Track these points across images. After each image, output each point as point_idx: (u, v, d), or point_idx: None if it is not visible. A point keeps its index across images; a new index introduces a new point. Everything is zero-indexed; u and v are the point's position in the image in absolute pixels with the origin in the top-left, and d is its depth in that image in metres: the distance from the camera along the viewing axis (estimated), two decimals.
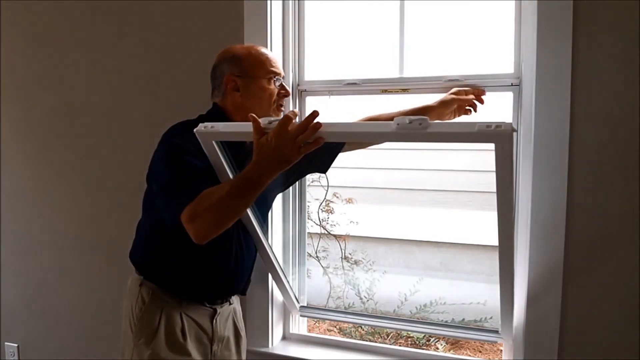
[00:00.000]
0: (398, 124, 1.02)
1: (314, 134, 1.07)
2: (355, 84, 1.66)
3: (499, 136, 0.96)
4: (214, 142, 1.22)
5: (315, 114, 1.07)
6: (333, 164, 1.60)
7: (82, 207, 2.03)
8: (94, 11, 1.91)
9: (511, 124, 0.96)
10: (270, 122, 1.10)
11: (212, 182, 1.23)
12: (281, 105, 1.41)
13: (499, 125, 0.95)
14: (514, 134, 0.97)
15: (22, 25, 2.04)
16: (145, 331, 1.33)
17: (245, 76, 1.35)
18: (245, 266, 1.46)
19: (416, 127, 1.00)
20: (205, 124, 1.20)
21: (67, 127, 2.01)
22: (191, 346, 1.36)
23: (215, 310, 1.42)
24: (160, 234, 1.36)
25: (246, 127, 1.14)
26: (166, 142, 1.30)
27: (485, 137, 0.97)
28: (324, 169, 1.60)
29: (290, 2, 1.72)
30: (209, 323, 1.41)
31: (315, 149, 1.10)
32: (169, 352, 1.33)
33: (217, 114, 1.38)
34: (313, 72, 1.76)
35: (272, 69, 1.38)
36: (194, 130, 1.20)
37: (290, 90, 1.42)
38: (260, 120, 1.11)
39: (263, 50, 1.40)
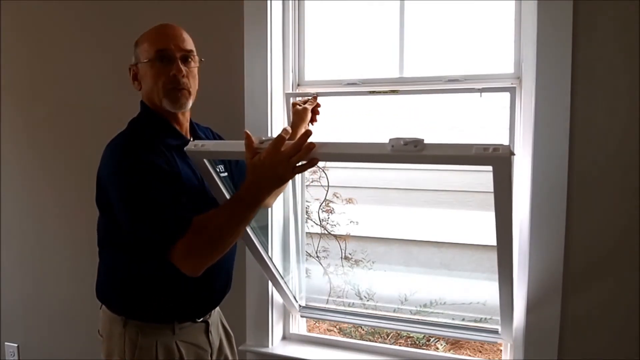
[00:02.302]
0: (393, 146, 0.99)
1: (308, 154, 1.04)
2: (355, 84, 1.66)
3: (497, 160, 0.93)
4: (205, 161, 1.18)
5: (308, 133, 1.04)
6: (335, 164, 1.58)
7: (82, 207, 2.03)
8: (94, 12, 1.91)
9: (509, 146, 0.92)
10: (262, 142, 1.08)
11: (190, 199, 1.17)
12: (175, 89, 1.22)
13: (496, 148, 0.91)
14: (512, 157, 0.95)
15: (22, 25, 2.04)
16: None
17: (138, 63, 1.25)
18: (231, 268, 1.41)
19: (411, 149, 0.97)
20: (195, 142, 1.15)
21: (68, 128, 2.02)
22: None
23: (207, 323, 1.36)
24: (139, 269, 1.24)
25: (237, 146, 1.11)
26: (124, 169, 1.15)
27: (482, 160, 0.94)
28: None
29: (290, 2, 1.72)
30: (205, 338, 1.35)
31: None
32: None
33: (147, 114, 1.27)
34: (313, 72, 1.76)
35: (154, 47, 1.20)
36: (185, 149, 1.14)
37: (184, 69, 1.21)
38: (252, 138, 1.08)
39: (158, 28, 1.24)
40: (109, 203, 1.21)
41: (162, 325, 1.27)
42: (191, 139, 1.27)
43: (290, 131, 1.09)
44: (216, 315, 1.44)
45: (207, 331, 1.36)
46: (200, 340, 1.34)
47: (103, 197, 1.24)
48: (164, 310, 1.27)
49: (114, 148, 1.21)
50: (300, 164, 1.06)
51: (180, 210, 1.13)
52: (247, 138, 1.08)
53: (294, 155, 1.04)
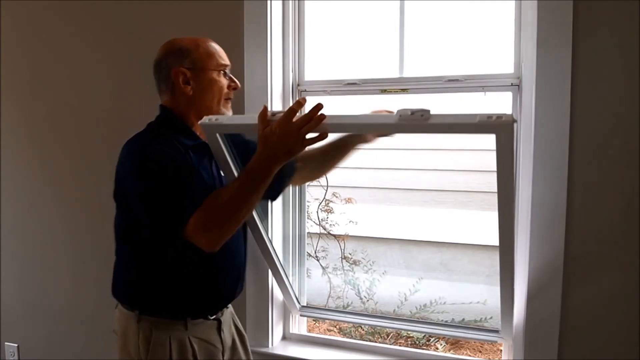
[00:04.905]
0: (400, 116, 1.03)
1: (319, 125, 1.07)
2: (355, 84, 1.66)
3: (500, 127, 0.96)
4: (217, 136, 1.22)
5: (319, 106, 1.07)
6: None
7: (82, 207, 2.03)
8: (94, 11, 1.91)
9: (512, 115, 0.96)
10: (274, 115, 1.11)
11: (202, 189, 1.20)
12: (230, 99, 1.35)
13: (499, 116, 0.96)
14: (515, 124, 0.98)
15: (22, 25, 2.04)
16: None
17: (194, 68, 1.28)
18: (244, 268, 1.44)
19: (418, 118, 1.01)
20: (210, 117, 1.19)
21: (68, 128, 2.01)
22: None
23: (219, 321, 1.38)
24: (151, 264, 1.27)
25: (250, 119, 1.15)
26: (139, 159, 1.21)
27: (486, 128, 0.98)
28: (273, 197, 1.55)
29: (290, 2, 1.72)
30: (217, 336, 1.37)
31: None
32: None
33: (167, 117, 1.31)
34: (313, 72, 1.76)
35: (222, 61, 1.32)
36: (199, 122, 1.19)
37: (238, 83, 1.36)
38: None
39: (210, 42, 1.34)
40: (126, 198, 1.26)
41: (175, 320, 1.30)
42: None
43: (303, 103, 1.11)
44: (229, 314, 1.46)
45: (219, 329, 1.38)
46: (213, 337, 1.37)
47: (120, 193, 1.30)
48: (176, 306, 1.30)
49: (131, 145, 1.26)
50: (310, 136, 1.09)
51: (193, 192, 1.16)
52: (264, 110, 1.11)
53: (305, 126, 1.07)
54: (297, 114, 1.09)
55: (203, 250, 1.15)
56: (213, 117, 1.18)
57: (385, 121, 1.07)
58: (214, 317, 1.37)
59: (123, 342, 1.32)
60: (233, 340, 1.46)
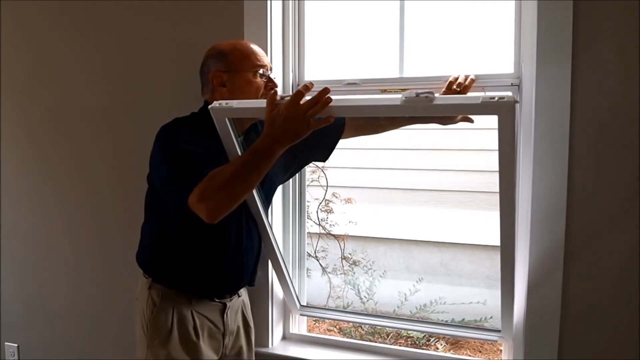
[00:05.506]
0: (405, 97, 1.05)
1: (324, 108, 1.09)
2: (355, 84, 1.66)
3: (502, 107, 0.99)
4: (226, 120, 1.25)
5: (326, 90, 1.10)
6: (333, 164, 1.59)
7: (82, 207, 2.03)
8: (94, 11, 1.91)
9: (513, 96, 0.99)
10: (282, 98, 1.14)
11: (214, 168, 1.24)
12: None
13: (502, 97, 0.99)
14: (516, 105, 1.01)
15: (22, 25, 2.05)
16: (159, 332, 1.36)
17: (230, 71, 1.35)
18: (250, 260, 1.47)
19: (423, 100, 1.04)
20: (220, 101, 1.23)
21: (68, 128, 2.01)
22: (205, 344, 1.40)
23: (225, 305, 1.45)
24: (164, 235, 1.39)
25: (259, 103, 1.18)
26: (160, 137, 1.32)
27: (488, 109, 1.01)
28: (324, 157, 1.61)
29: (290, 2, 1.72)
30: (220, 318, 1.44)
31: (318, 131, 1.14)
32: (183, 352, 1.36)
33: (205, 110, 1.37)
34: (313, 72, 1.76)
35: (257, 62, 1.37)
36: (209, 107, 1.23)
37: (277, 82, 1.41)
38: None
39: (249, 44, 1.40)
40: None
41: (180, 293, 1.39)
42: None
43: (311, 87, 1.13)
44: (239, 302, 1.52)
45: (223, 312, 1.45)
46: (215, 317, 1.44)
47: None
48: (182, 282, 1.39)
49: (163, 126, 1.35)
50: (316, 119, 1.11)
51: (203, 171, 1.20)
52: (274, 93, 1.14)
53: (311, 109, 1.09)
54: (304, 97, 1.11)
55: (204, 220, 1.18)
56: (223, 102, 1.22)
57: (390, 103, 1.09)
58: (218, 301, 1.44)
59: (137, 304, 1.43)
60: (238, 330, 1.52)
